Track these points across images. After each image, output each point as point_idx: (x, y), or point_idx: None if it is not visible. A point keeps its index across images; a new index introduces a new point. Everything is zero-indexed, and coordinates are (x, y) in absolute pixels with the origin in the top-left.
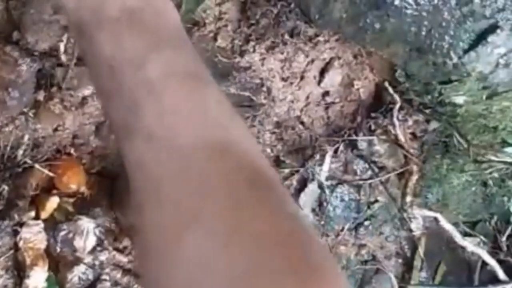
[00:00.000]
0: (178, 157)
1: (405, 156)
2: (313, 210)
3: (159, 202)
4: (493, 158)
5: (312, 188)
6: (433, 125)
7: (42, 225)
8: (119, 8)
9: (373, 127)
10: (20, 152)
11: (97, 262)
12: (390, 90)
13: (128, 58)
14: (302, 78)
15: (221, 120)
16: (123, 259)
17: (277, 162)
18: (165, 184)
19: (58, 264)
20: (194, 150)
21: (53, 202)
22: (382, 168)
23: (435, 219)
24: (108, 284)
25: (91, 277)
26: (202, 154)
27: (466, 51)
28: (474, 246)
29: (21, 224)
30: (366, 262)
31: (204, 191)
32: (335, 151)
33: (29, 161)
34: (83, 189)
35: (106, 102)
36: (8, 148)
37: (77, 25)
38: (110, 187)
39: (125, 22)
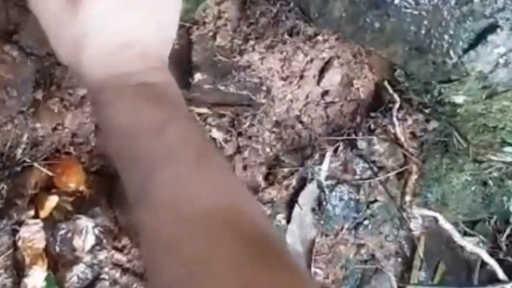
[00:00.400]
0: (191, 222)
1: (405, 156)
2: (313, 209)
3: (175, 263)
4: (492, 157)
5: (311, 188)
6: (433, 124)
7: (41, 224)
8: (139, 82)
9: (372, 127)
10: (19, 151)
11: (96, 261)
12: (390, 89)
13: (147, 127)
14: (301, 77)
15: (227, 188)
16: (122, 258)
17: (277, 162)
18: (182, 247)
19: (57, 263)
20: (207, 218)
21: (52, 201)
22: (381, 168)
23: (435, 218)
24: (107, 283)
25: (90, 276)
26: (214, 221)
27: (465, 51)
28: (473, 246)
29: (20, 223)
30: (365, 261)
31: (217, 255)
32: (335, 151)
33: (28, 160)
34: (82, 188)
35: (122, 167)
36: (7, 147)
37: (97, 95)
38: (109, 187)
39: (144, 95)
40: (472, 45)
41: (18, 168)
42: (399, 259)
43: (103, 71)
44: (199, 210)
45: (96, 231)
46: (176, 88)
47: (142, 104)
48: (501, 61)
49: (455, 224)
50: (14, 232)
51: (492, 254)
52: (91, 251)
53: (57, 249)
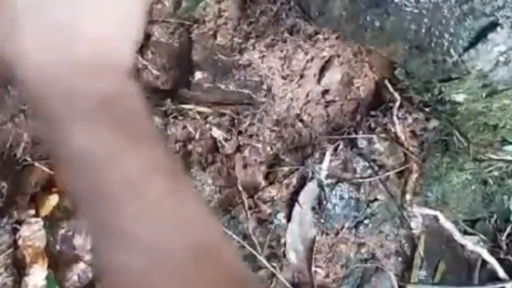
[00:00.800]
0: (163, 260)
1: (405, 154)
2: (313, 208)
3: None
4: (493, 156)
5: (311, 187)
6: (433, 123)
7: (41, 223)
8: (93, 97)
9: (372, 125)
10: (20, 150)
11: (96, 260)
12: (390, 88)
13: (107, 154)
14: (302, 76)
15: (199, 221)
16: None
17: (277, 160)
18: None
19: (58, 262)
20: (176, 253)
21: (52, 200)
22: (381, 167)
23: (435, 217)
24: None
25: (90, 275)
26: (184, 257)
27: (466, 49)
28: (474, 245)
29: (21, 222)
30: (366, 260)
31: None
32: (335, 149)
33: (29, 159)
34: None
35: (83, 198)
36: (8, 146)
37: (45, 113)
38: None
39: (101, 114)
40: (473, 44)
41: (19, 167)
42: (400, 258)
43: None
44: (171, 248)
45: None
46: (137, 101)
47: (100, 127)
48: (502, 59)
49: (455, 223)
50: (15, 230)
51: (492, 253)
52: (92, 250)
53: (58, 248)
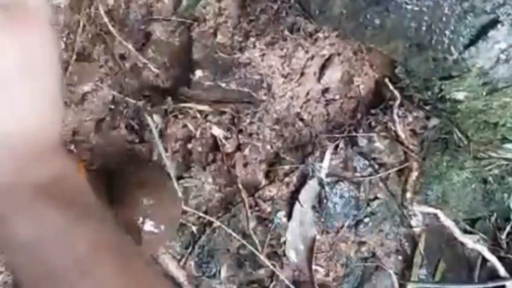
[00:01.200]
0: None
1: (405, 153)
2: (313, 207)
3: None
4: (493, 154)
5: (312, 185)
6: (433, 121)
7: None
8: (32, 185)
9: (373, 124)
10: None
11: None
12: (390, 86)
13: (55, 237)
14: (302, 74)
15: None
16: None
17: (277, 159)
18: None
19: None
20: None
21: None
22: (382, 165)
23: (435, 215)
24: None
25: None
26: None
27: (466, 47)
28: (474, 243)
29: None
30: (366, 259)
31: None
32: (335, 148)
33: None
34: None
35: (30, 284)
36: None
37: None
38: (110, 184)
39: (42, 198)
40: (473, 41)
41: None
42: (400, 257)
43: None
44: None
45: None
46: (74, 177)
47: (44, 212)
48: (502, 56)
49: (456, 222)
50: None
51: (492, 252)
52: None
53: None
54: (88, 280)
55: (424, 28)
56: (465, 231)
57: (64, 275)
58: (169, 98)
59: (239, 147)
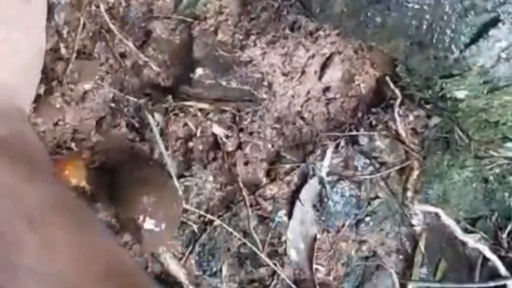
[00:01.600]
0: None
1: (406, 152)
2: (314, 206)
3: None
4: (494, 153)
5: (312, 184)
6: (434, 120)
7: None
8: None
9: (374, 123)
10: None
11: None
12: (391, 85)
13: (5, 191)
14: (303, 73)
15: (108, 248)
16: None
17: (278, 158)
18: None
19: None
20: (86, 279)
21: None
22: (383, 164)
23: (436, 214)
24: None
25: None
26: (97, 279)
27: (467, 45)
28: (475, 242)
29: None
30: (366, 258)
31: None
32: (336, 147)
33: None
34: (83, 184)
35: None
36: None
37: None
38: (111, 182)
39: None
40: (474, 40)
41: None
42: (401, 256)
43: None
44: (74, 274)
45: None
46: (32, 138)
47: None
48: (503, 55)
49: (456, 221)
50: None
51: (493, 251)
52: None
53: None
54: (36, 235)
55: (425, 26)
56: (466, 230)
57: (11, 226)
58: (170, 97)
59: (240, 146)
